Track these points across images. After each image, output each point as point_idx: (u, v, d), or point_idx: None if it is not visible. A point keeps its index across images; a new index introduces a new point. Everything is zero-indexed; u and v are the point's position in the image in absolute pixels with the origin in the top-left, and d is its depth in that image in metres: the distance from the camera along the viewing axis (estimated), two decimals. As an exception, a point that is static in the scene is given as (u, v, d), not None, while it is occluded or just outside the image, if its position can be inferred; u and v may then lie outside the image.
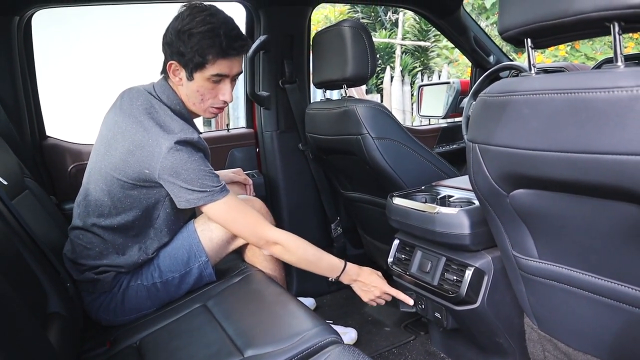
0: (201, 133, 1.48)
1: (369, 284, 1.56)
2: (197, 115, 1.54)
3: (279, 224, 2.30)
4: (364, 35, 1.77)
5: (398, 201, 1.56)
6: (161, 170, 1.34)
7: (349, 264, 1.56)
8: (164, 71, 1.47)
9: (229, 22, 1.39)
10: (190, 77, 1.41)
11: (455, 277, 1.37)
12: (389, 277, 1.64)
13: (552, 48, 5.42)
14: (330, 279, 1.55)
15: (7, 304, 0.84)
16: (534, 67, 0.95)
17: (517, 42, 0.95)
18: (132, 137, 1.37)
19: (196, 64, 1.37)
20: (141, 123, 1.37)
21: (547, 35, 0.90)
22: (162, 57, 1.46)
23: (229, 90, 1.45)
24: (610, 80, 0.75)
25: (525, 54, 0.95)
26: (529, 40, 0.93)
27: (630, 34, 4.93)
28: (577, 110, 0.80)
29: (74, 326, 1.29)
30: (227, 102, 1.47)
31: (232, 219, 1.44)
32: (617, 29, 0.77)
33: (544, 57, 5.26)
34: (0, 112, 1.82)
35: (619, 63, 0.78)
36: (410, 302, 1.56)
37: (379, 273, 1.59)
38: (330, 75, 1.90)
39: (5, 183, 1.30)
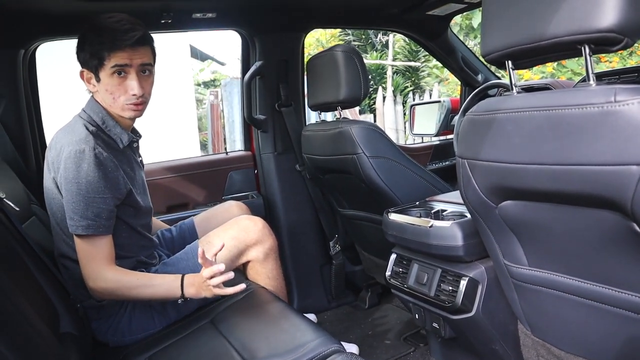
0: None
1: (201, 282, 1.39)
2: (126, 120, 1.52)
3: (279, 242, 2.35)
4: (356, 59, 1.85)
5: (394, 217, 1.61)
6: None
7: (186, 275, 1.44)
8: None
9: (123, 18, 1.41)
10: (98, 79, 1.44)
11: (450, 288, 1.43)
12: (388, 291, 1.68)
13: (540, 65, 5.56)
14: (180, 300, 1.43)
15: (28, 321, 0.89)
16: (516, 86, 1.02)
17: (499, 64, 1.03)
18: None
19: (97, 63, 1.40)
20: None
21: (526, 57, 0.97)
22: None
23: (136, 83, 1.43)
24: (583, 98, 0.82)
25: (514, 72, 1.03)
26: (509, 62, 1.00)
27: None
28: (555, 125, 0.87)
29: (84, 347, 1.33)
30: (137, 94, 1.44)
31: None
32: (587, 51, 0.85)
33: (531, 74, 5.39)
34: (6, 141, 1.88)
35: (591, 82, 0.86)
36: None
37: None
38: (325, 98, 1.97)
39: (17, 209, 1.35)
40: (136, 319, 1.50)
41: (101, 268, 1.38)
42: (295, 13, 2.23)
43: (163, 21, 1.95)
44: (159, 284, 1.43)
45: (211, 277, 1.35)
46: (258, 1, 2.05)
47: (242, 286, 1.40)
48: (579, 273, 1.05)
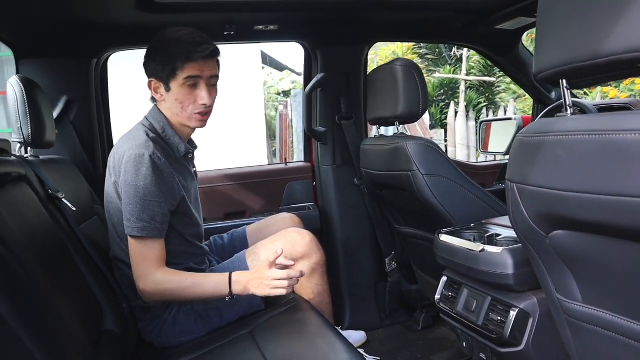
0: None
1: (260, 277, 1.41)
2: (187, 130, 1.59)
3: (334, 256, 2.34)
4: (415, 74, 1.80)
5: (444, 238, 1.55)
6: None
7: (234, 272, 1.47)
8: (152, 96, 1.56)
9: (193, 32, 1.47)
10: (167, 88, 1.49)
11: (499, 318, 1.34)
12: (437, 315, 1.60)
13: (627, 81, 5.18)
14: (227, 298, 1.45)
15: (63, 319, 0.92)
16: (570, 107, 0.95)
17: (552, 82, 0.96)
18: None
19: (168, 74, 1.46)
20: None
21: (581, 76, 0.90)
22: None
23: (206, 94, 1.50)
24: (639, 122, 0.74)
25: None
26: (564, 81, 0.93)
27: None
28: (607, 151, 0.79)
29: (126, 346, 1.37)
30: (207, 104, 1.51)
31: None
32: (648, 70, 0.76)
33: (618, 92, 5.05)
34: (76, 143, 2.01)
35: (652, 105, 0.77)
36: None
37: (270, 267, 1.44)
38: (383, 112, 1.94)
39: (74, 209, 1.43)
40: (180, 323, 1.54)
41: (152, 269, 1.43)
42: (358, 26, 2.22)
43: (226, 33, 2.01)
44: (207, 283, 1.47)
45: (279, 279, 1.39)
46: (320, 14, 2.06)
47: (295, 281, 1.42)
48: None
